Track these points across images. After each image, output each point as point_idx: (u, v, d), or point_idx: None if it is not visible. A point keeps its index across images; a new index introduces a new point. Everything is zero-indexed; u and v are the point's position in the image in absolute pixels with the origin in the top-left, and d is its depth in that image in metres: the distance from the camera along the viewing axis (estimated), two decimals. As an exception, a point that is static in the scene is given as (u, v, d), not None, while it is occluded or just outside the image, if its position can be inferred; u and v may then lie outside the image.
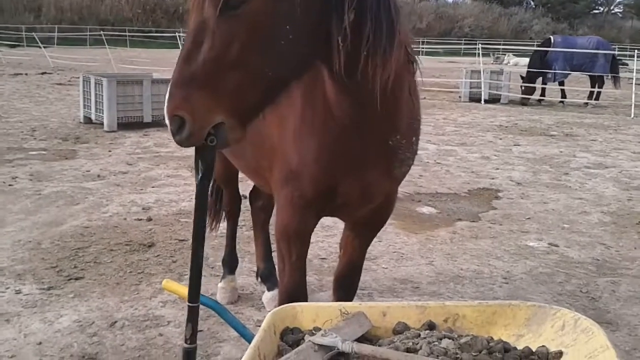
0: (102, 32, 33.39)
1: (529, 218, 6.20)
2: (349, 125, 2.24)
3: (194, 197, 2.02)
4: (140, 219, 5.75)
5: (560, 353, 1.92)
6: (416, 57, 2.27)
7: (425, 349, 1.89)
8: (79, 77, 11.89)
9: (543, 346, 1.96)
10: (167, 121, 1.83)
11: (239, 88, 1.81)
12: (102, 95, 10.60)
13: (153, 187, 6.99)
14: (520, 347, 1.99)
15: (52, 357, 3.26)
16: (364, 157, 2.33)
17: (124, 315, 3.80)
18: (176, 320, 3.73)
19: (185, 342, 2.13)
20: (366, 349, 1.88)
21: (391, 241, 5.34)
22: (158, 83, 11.02)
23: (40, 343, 3.43)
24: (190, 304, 2.11)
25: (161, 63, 23.64)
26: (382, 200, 2.58)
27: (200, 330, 3.60)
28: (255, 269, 4.32)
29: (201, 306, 2.98)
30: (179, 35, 26.60)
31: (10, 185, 6.85)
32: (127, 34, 42.23)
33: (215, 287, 4.15)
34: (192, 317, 2.11)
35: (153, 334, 3.57)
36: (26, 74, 22.27)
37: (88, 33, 42.16)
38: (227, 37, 1.77)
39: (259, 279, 4.19)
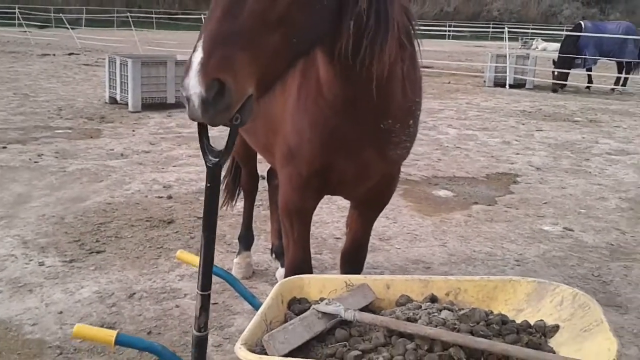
0: (128, 14, 33.69)
1: (545, 203, 6.20)
2: (339, 108, 2.29)
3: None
4: (161, 197, 5.88)
5: (557, 327, 1.97)
6: (413, 40, 2.30)
7: (425, 319, 1.96)
8: (105, 58, 12.06)
9: (541, 320, 2.01)
10: (195, 89, 1.50)
11: (275, 52, 1.67)
12: (127, 76, 10.75)
13: (174, 166, 7.12)
14: (518, 320, 2.04)
15: (72, 325, 3.34)
16: (356, 139, 2.37)
17: (143, 288, 3.92)
18: (192, 293, 3.83)
19: (200, 330, 2.01)
20: (367, 317, 1.95)
21: (405, 223, 5.39)
22: (182, 64, 11.05)
23: (60, 312, 3.58)
24: (201, 293, 1.99)
25: (187, 45, 23.65)
26: (380, 181, 2.62)
27: (215, 303, 3.72)
28: (270, 247, 4.41)
29: (216, 278, 3.09)
30: (204, 18, 26.75)
31: (36, 162, 7.03)
32: (153, 16, 42.58)
33: (231, 262, 4.25)
34: (205, 305, 2.00)
35: (170, 306, 3.69)
36: (54, 55, 22.64)
37: (115, 15, 42.63)
38: None
39: (273, 255, 4.28)
